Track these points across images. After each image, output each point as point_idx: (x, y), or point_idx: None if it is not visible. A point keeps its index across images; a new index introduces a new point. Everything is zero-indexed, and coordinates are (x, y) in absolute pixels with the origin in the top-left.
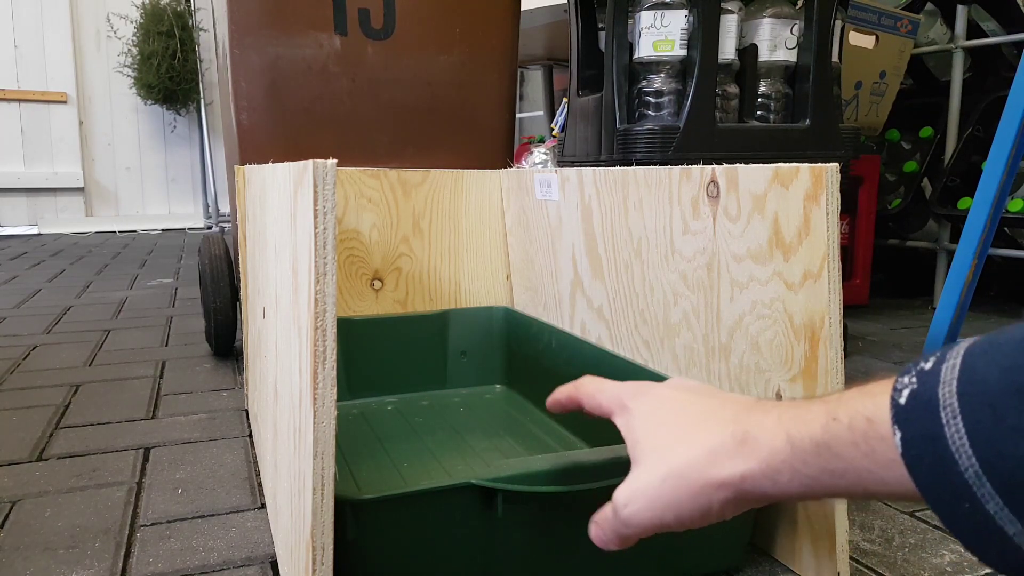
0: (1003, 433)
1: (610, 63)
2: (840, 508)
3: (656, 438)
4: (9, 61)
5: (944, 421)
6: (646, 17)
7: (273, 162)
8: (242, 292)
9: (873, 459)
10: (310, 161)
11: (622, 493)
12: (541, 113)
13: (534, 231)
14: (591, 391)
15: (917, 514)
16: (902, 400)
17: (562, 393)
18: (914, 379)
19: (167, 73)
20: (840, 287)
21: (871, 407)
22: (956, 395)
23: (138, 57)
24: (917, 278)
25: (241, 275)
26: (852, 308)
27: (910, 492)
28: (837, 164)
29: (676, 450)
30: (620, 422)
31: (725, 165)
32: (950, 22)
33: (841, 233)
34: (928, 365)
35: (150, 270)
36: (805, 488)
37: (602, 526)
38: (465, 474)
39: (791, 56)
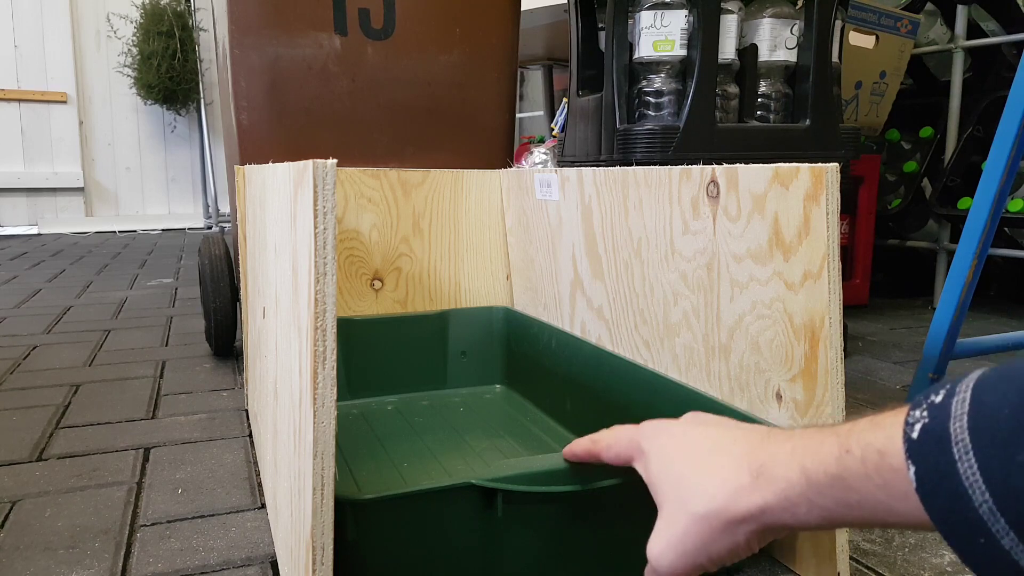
0: (1015, 470)
1: (610, 63)
2: None
3: (673, 481)
4: (9, 61)
5: (957, 456)
6: (646, 17)
7: (273, 162)
8: (242, 292)
9: (887, 491)
10: (310, 161)
11: (655, 548)
12: (541, 113)
13: (534, 231)
14: (607, 443)
15: None
16: (914, 434)
17: (580, 447)
18: (925, 413)
19: (167, 73)
20: (840, 287)
21: (883, 440)
22: (967, 431)
23: (138, 57)
24: (917, 278)
25: (241, 275)
26: (852, 308)
27: (924, 523)
28: (837, 164)
29: (695, 493)
30: (639, 467)
31: (725, 165)
32: (950, 22)
33: (841, 233)
34: (938, 398)
35: (150, 270)
36: (823, 519)
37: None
38: (465, 474)
39: (791, 56)
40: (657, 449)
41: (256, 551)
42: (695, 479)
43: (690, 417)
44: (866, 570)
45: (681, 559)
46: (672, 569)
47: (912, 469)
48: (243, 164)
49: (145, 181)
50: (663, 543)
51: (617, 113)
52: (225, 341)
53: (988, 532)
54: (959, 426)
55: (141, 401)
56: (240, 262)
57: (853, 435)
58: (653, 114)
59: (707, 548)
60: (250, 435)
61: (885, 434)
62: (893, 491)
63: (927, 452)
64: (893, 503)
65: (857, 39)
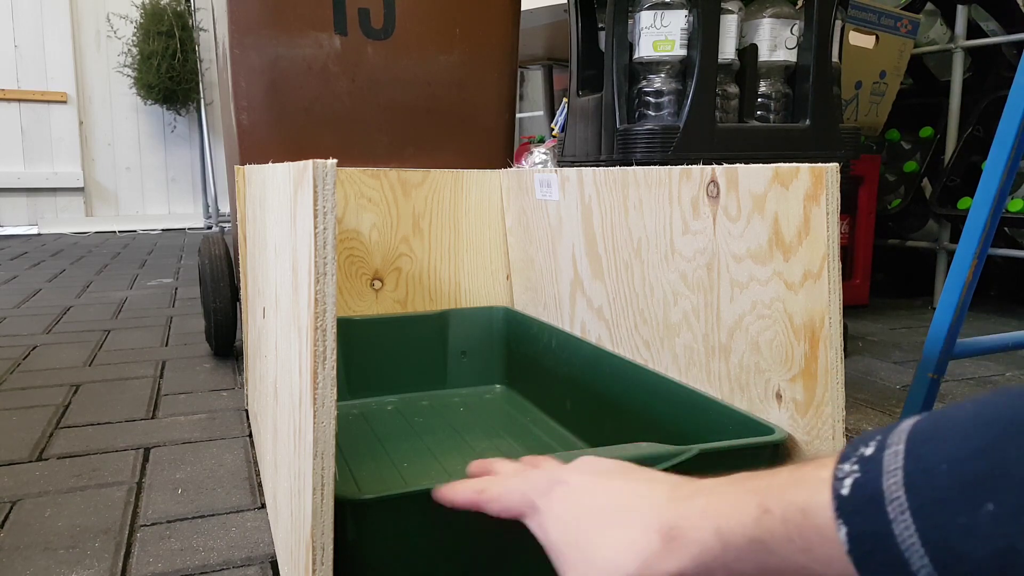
0: (956, 532)
1: (610, 63)
2: None
3: (576, 545)
4: (9, 61)
5: (892, 517)
6: (646, 17)
7: (273, 162)
8: (242, 292)
9: (811, 555)
10: (310, 161)
11: None
12: (541, 113)
13: (534, 231)
14: (495, 494)
15: None
16: (844, 491)
17: (460, 496)
18: (855, 466)
19: (167, 73)
20: (840, 287)
21: (806, 497)
22: (903, 487)
23: (138, 57)
24: (917, 278)
25: (241, 275)
26: (852, 308)
27: None
28: (837, 164)
29: (601, 562)
30: (533, 525)
31: (725, 165)
32: (950, 22)
33: (841, 233)
34: (869, 451)
35: (150, 270)
36: None
37: None
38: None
39: (791, 56)
40: (555, 505)
41: (256, 551)
42: (600, 544)
43: (585, 465)
44: None
45: None
46: None
47: (843, 530)
48: (243, 164)
49: (145, 181)
50: None
51: (617, 113)
52: (225, 341)
53: None
54: (893, 482)
55: (141, 401)
56: (240, 262)
57: (772, 492)
58: (653, 114)
59: None
60: (250, 435)
61: (808, 491)
62: (818, 555)
63: (859, 511)
64: (818, 567)
65: (857, 39)
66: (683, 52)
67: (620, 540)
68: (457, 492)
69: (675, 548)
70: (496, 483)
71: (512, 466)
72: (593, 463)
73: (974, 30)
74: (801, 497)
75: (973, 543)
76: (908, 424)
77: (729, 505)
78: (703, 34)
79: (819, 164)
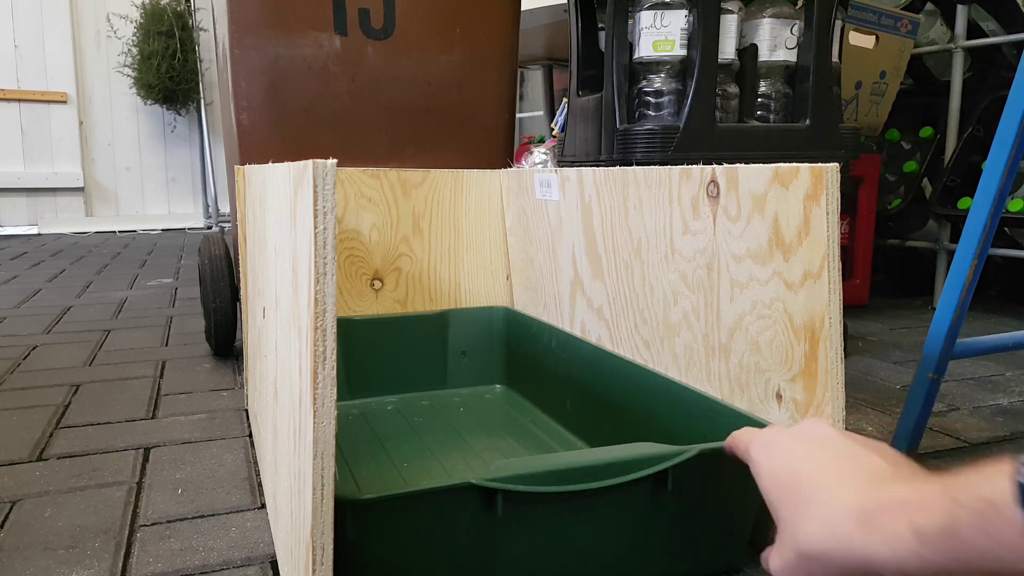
0: None
1: (610, 63)
2: None
3: (783, 503)
4: (9, 61)
5: None
6: (646, 17)
7: (273, 162)
8: (242, 292)
9: (998, 541)
10: (310, 161)
11: (774, 565)
12: (541, 113)
13: (534, 231)
14: (735, 443)
15: None
16: (1023, 479)
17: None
18: None
19: (167, 73)
20: (840, 287)
21: (992, 489)
22: None
23: (138, 57)
24: (917, 278)
25: (241, 275)
26: (852, 308)
27: None
28: (837, 164)
29: (802, 527)
30: (753, 471)
31: (725, 165)
32: (950, 22)
33: (841, 233)
34: None
35: (150, 270)
36: (929, 573)
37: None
38: (465, 474)
39: (791, 56)
40: (765, 460)
41: (256, 551)
42: (803, 509)
43: (805, 428)
44: None
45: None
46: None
47: (1020, 513)
48: (243, 164)
49: (145, 181)
50: (779, 563)
51: (617, 113)
52: (225, 341)
53: None
54: None
55: (141, 401)
56: (240, 262)
57: (960, 486)
58: (653, 114)
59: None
60: (250, 435)
61: (993, 484)
62: (1004, 540)
63: None
64: (1003, 552)
65: (857, 39)
66: (683, 52)
67: (820, 511)
68: (735, 444)
69: (869, 534)
70: (741, 434)
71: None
72: (812, 427)
73: (974, 30)
74: (987, 490)
75: None
76: None
77: (923, 498)
78: (703, 34)
79: (819, 164)
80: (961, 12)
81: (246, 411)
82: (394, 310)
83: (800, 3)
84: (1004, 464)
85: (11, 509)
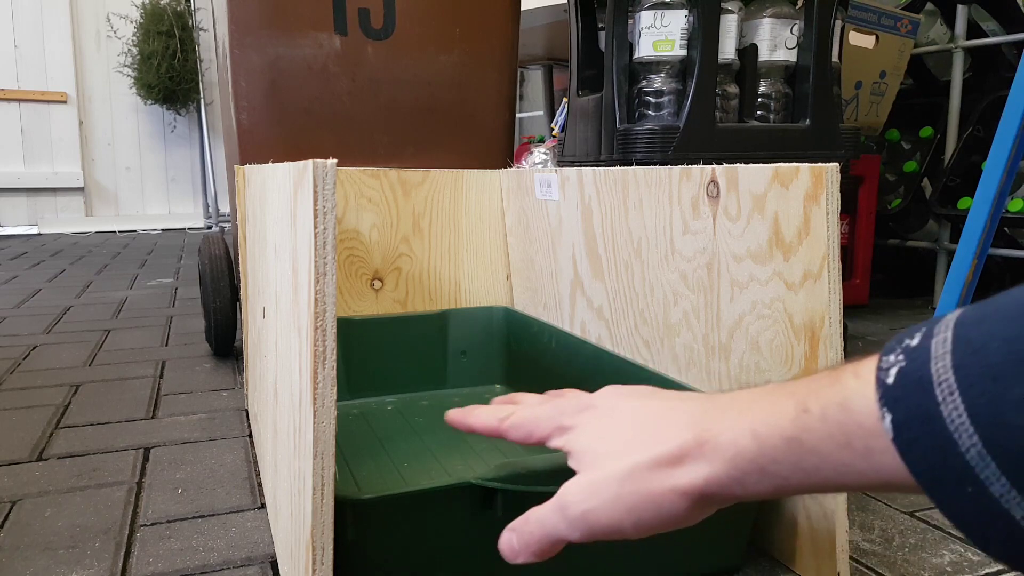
0: (1009, 406)
1: (610, 63)
2: (840, 508)
3: (605, 446)
4: (9, 61)
5: (940, 399)
6: (646, 17)
7: (273, 162)
8: (242, 292)
9: (851, 450)
10: (310, 161)
11: (573, 489)
12: (541, 113)
13: (534, 231)
14: (518, 421)
15: (917, 514)
16: (889, 380)
17: (478, 421)
18: (901, 357)
19: (167, 73)
20: (840, 287)
21: (845, 393)
22: (951, 369)
23: (138, 57)
24: (917, 278)
25: (241, 275)
26: (852, 308)
27: (890, 480)
28: (837, 164)
29: (633, 451)
30: (560, 443)
31: (725, 165)
32: (950, 22)
33: (841, 233)
34: (915, 341)
35: (150, 270)
36: (776, 488)
37: (531, 529)
38: (465, 474)
39: (791, 56)
40: (588, 422)
41: (256, 551)
42: (633, 443)
43: (619, 389)
44: (866, 570)
45: (606, 511)
46: (591, 514)
47: (888, 418)
48: (243, 164)
49: (145, 181)
50: (588, 487)
51: (617, 113)
52: (225, 341)
53: (976, 480)
54: (941, 366)
55: (141, 401)
56: (240, 262)
57: (812, 392)
58: (653, 114)
59: (638, 512)
60: (250, 435)
61: (847, 387)
62: (858, 448)
63: (905, 397)
64: (857, 461)
65: (857, 39)
66: (683, 52)
67: (653, 442)
68: (477, 417)
69: (708, 452)
70: (521, 410)
71: (536, 397)
72: (621, 388)
73: (974, 30)
74: (839, 394)
75: None
76: (953, 314)
77: (766, 408)
78: (703, 34)
79: (819, 164)
80: (961, 12)
81: (246, 411)
82: (394, 310)
83: (800, 3)
84: (862, 366)
85: (11, 509)
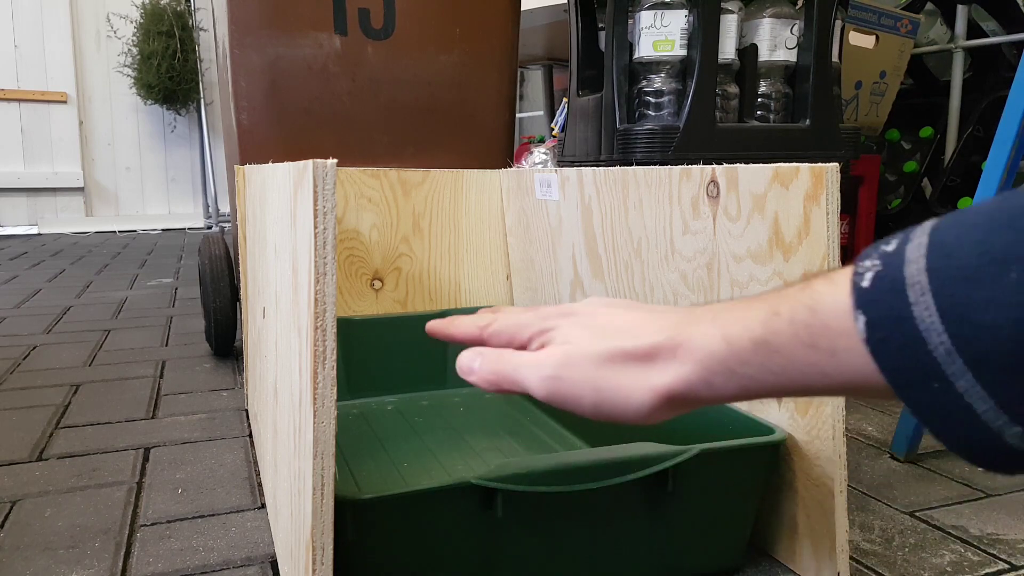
0: (977, 304)
1: (610, 63)
2: (840, 508)
3: (587, 334)
4: (9, 61)
5: (912, 300)
6: (646, 17)
7: (273, 162)
8: (242, 292)
9: (817, 350)
10: (310, 161)
11: (553, 353)
12: (541, 113)
13: (534, 231)
14: (499, 328)
15: (917, 514)
16: (865, 283)
17: (460, 331)
18: (877, 261)
19: (167, 73)
20: None
21: (814, 297)
22: (925, 271)
23: (138, 57)
24: None
25: (241, 275)
26: None
27: (855, 382)
28: (837, 164)
29: (610, 338)
30: (540, 341)
31: (725, 165)
32: (950, 22)
33: (841, 233)
34: (891, 247)
35: (150, 270)
36: (742, 388)
37: (501, 366)
38: (465, 474)
39: (791, 56)
40: (567, 324)
41: (256, 551)
42: (611, 334)
43: (598, 300)
44: (866, 570)
45: (574, 386)
46: (555, 382)
47: (862, 319)
48: (243, 164)
49: (145, 181)
50: (568, 356)
51: (617, 113)
52: (225, 341)
53: (942, 376)
54: (915, 268)
55: (141, 401)
56: (240, 262)
57: (783, 298)
58: (653, 114)
59: (600, 393)
60: (250, 435)
61: (817, 291)
62: (824, 348)
63: (878, 299)
64: (822, 361)
65: (857, 39)
66: (683, 52)
67: (629, 338)
68: (458, 327)
69: (681, 354)
70: (503, 317)
71: (519, 308)
72: (604, 298)
73: (974, 30)
74: (811, 298)
75: (995, 312)
76: (930, 221)
77: (739, 314)
78: (703, 34)
79: (819, 164)
80: (961, 12)
81: (246, 411)
82: (394, 310)
83: (800, 3)
84: (838, 272)
85: (11, 509)
